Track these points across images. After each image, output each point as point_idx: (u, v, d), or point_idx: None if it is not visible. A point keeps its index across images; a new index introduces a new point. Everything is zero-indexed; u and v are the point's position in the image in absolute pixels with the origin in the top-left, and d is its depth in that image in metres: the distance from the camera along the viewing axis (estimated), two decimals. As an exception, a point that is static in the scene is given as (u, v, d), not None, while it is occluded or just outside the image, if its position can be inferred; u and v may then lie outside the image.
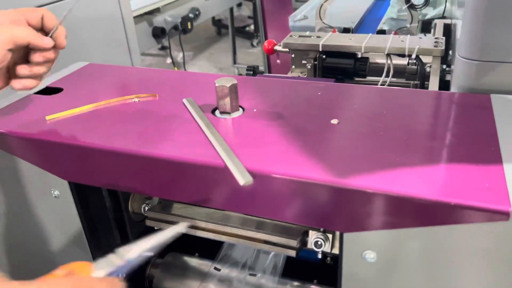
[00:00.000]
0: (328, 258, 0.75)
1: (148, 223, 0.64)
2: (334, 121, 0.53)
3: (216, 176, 0.48)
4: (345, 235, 0.46)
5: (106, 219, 0.66)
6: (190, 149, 0.50)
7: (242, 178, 0.44)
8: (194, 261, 0.76)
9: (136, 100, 0.62)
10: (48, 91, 0.67)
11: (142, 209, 0.68)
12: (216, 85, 0.56)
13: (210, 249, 0.75)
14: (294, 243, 0.56)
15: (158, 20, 2.01)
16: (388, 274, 0.46)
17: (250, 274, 0.69)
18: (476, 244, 0.41)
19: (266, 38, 2.08)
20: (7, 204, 0.63)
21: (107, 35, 1.29)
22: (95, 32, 1.23)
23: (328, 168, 0.45)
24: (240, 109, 0.58)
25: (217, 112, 0.58)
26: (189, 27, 2.08)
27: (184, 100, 0.61)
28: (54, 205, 0.60)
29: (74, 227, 0.61)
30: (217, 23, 3.51)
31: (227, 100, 0.56)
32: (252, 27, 3.36)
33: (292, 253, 0.57)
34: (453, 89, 0.62)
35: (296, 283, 0.69)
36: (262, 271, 0.70)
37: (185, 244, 0.85)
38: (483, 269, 0.43)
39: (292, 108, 0.58)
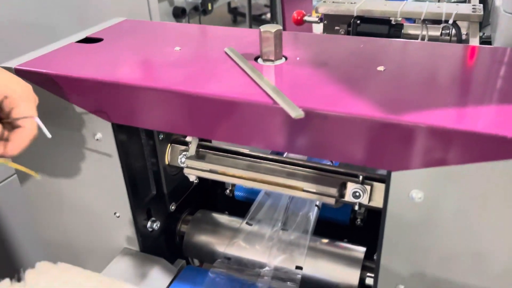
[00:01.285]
0: (358, 220, 0.75)
1: (186, 171, 0.64)
2: (380, 68, 0.53)
3: (265, 113, 0.48)
4: (393, 173, 0.46)
5: (143, 168, 0.67)
6: (238, 89, 0.50)
7: (293, 111, 0.44)
8: (224, 218, 0.76)
9: (178, 49, 0.63)
10: (88, 40, 0.68)
11: (178, 160, 0.69)
12: (261, 30, 0.56)
13: (240, 209, 0.76)
14: (333, 191, 0.57)
15: (179, 0, 2.02)
16: (434, 215, 0.46)
17: (282, 229, 0.69)
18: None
19: (284, 27, 2.08)
20: (50, 148, 0.64)
21: (131, 12, 1.30)
22: (119, 9, 1.24)
23: (378, 105, 0.45)
24: (283, 57, 0.58)
25: (259, 60, 0.58)
26: (210, 8, 2.09)
27: (226, 49, 0.61)
28: (96, 148, 0.61)
29: (113, 173, 0.62)
30: (233, 10, 3.51)
31: (271, 47, 0.56)
32: (268, 15, 3.35)
33: (332, 201, 0.57)
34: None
35: (326, 240, 0.69)
36: (292, 230, 0.70)
37: (215, 204, 0.86)
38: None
39: (335, 57, 0.58)
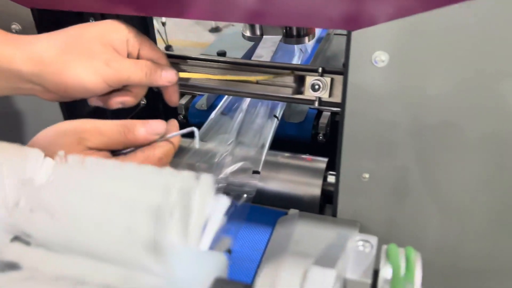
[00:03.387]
0: (320, 135, 0.70)
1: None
2: None
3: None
4: (353, 33, 0.40)
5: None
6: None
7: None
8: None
9: None
10: None
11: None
12: None
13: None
14: (290, 79, 0.51)
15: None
16: (400, 81, 0.41)
17: (238, 144, 0.63)
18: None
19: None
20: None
21: None
22: None
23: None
24: None
25: None
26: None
27: None
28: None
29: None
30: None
31: None
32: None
33: (289, 92, 0.51)
34: None
35: (287, 154, 0.64)
36: (248, 145, 0.64)
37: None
38: None
39: None
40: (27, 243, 0.25)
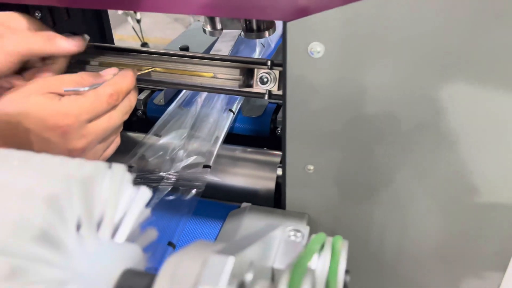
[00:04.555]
0: (279, 129, 0.70)
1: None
2: None
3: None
4: (289, 24, 0.40)
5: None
6: None
7: None
8: (131, 135, 0.69)
9: None
10: None
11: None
12: None
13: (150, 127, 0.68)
14: (236, 72, 0.51)
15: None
16: (337, 71, 0.41)
17: (190, 137, 0.63)
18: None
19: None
20: None
21: None
22: None
23: None
24: None
25: None
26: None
27: None
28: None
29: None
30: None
31: None
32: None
33: (235, 85, 0.51)
34: None
35: (243, 148, 0.64)
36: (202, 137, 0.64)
37: (128, 129, 0.78)
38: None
39: None
40: None
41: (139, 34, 2.45)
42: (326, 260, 0.31)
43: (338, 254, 0.31)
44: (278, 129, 0.70)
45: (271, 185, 0.60)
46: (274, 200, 0.60)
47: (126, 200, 0.28)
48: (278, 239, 0.35)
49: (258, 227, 0.48)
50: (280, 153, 0.62)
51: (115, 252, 0.26)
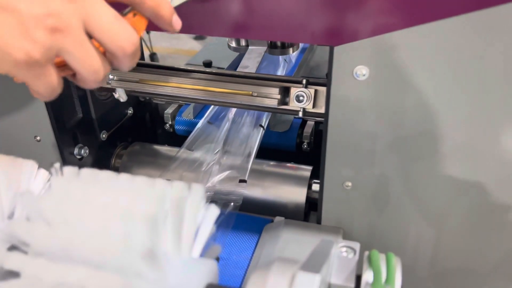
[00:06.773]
0: (305, 144, 0.72)
1: (113, 84, 0.58)
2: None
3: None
4: (336, 49, 0.42)
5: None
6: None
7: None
8: (162, 149, 0.71)
9: None
10: None
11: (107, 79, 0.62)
12: None
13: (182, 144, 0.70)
14: (275, 91, 0.53)
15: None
16: (380, 93, 0.43)
17: (224, 152, 0.65)
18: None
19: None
20: None
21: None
22: None
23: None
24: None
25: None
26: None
27: None
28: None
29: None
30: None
31: None
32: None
33: (274, 103, 0.53)
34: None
35: (272, 163, 0.66)
36: (234, 153, 0.66)
37: (155, 141, 0.80)
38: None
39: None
40: (25, 252, 0.26)
41: (148, 44, 2.47)
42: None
43: (394, 271, 0.33)
44: (304, 143, 0.72)
45: (302, 199, 0.61)
46: (304, 214, 0.62)
47: (200, 217, 0.30)
48: (331, 255, 0.36)
49: (302, 242, 0.50)
50: (309, 167, 0.64)
51: (197, 267, 0.28)
